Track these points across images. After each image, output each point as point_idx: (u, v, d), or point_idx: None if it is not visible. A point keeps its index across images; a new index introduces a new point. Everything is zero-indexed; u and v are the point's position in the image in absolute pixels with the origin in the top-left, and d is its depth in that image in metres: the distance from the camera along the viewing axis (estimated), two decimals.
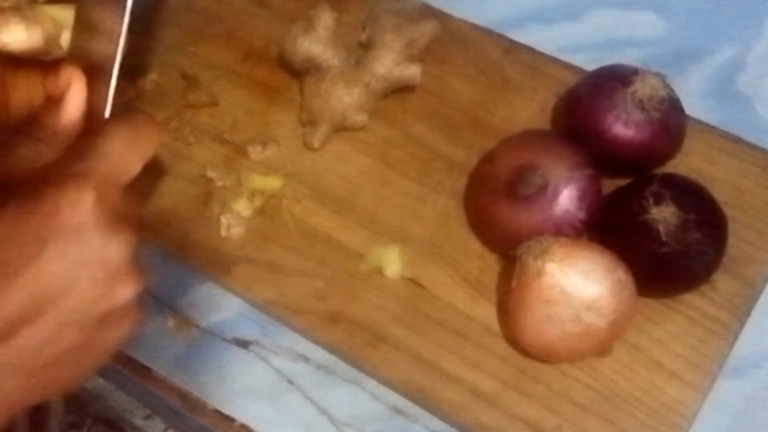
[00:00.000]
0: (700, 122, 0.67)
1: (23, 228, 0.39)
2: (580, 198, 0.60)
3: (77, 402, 0.92)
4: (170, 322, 0.66)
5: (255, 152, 0.69)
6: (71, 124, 0.46)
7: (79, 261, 0.40)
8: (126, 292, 0.41)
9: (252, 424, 0.62)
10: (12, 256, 0.38)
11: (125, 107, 0.47)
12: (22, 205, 0.39)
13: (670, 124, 0.63)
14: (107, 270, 0.40)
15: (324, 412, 0.62)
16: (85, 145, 0.42)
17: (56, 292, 0.39)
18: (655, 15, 0.75)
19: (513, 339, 0.61)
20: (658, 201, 0.58)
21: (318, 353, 0.64)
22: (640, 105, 0.62)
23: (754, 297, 0.62)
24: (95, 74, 0.46)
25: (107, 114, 0.46)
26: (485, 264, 0.64)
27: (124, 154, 0.43)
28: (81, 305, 0.40)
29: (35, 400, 0.41)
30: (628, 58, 0.67)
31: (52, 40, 0.47)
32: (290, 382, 0.63)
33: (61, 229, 0.39)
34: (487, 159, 0.66)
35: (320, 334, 0.63)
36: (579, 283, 0.56)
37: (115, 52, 0.45)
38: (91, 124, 0.46)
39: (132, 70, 0.73)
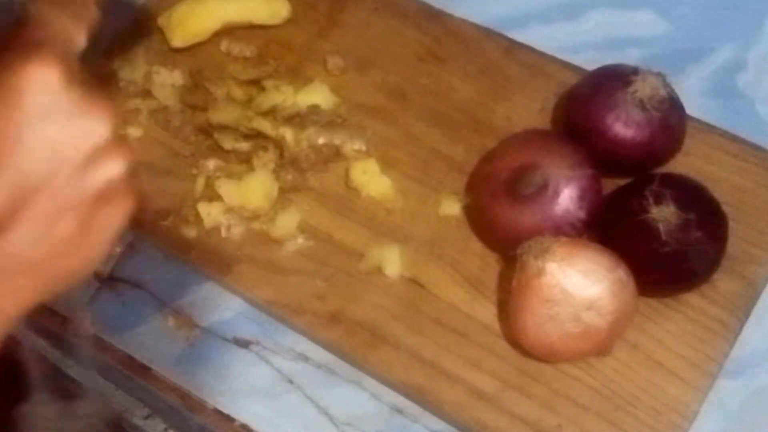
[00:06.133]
0: (700, 122, 0.67)
1: None
2: (581, 197, 0.60)
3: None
4: (170, 322, 0.66)
5: (258, 155, 0.69)
6: None
7: (60, 140, 0.37)
8: (114, 167, 0.39)
9: (252, 424, 0.62)
10: None
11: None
12: None
13: (671, 123, 0.63)
14: (91, 145, 0.38)
15: (324, 411, 0.62)
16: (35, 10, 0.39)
17: (41, 178, 0.37)
18: (655, 15, 0.75)
19: (513, 339, 0.61)
20: (659, 200, 0.58)
21: (318, 353, 0.64)
22: (641, 105, 0.62)
23: (754, 297, 0.62)
24: None
25: None
26: (485, 264, 0.64)
27: (66, 20, 0.40)
28: (69, 187, 0.37)
29: (40, 298, 0.39)
30: (628, 57, 0.67)
31: None
32: (290, 381, 0.63)
33: (33, 109, 0.36)
34: (488, 158, 0.66)
35: (320, 333, 0.63)
36: (579, 283, 0.56)
37: None
38: None
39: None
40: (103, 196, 0.39)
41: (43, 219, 0.37)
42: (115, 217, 0.40)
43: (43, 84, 0.37)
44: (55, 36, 0.39)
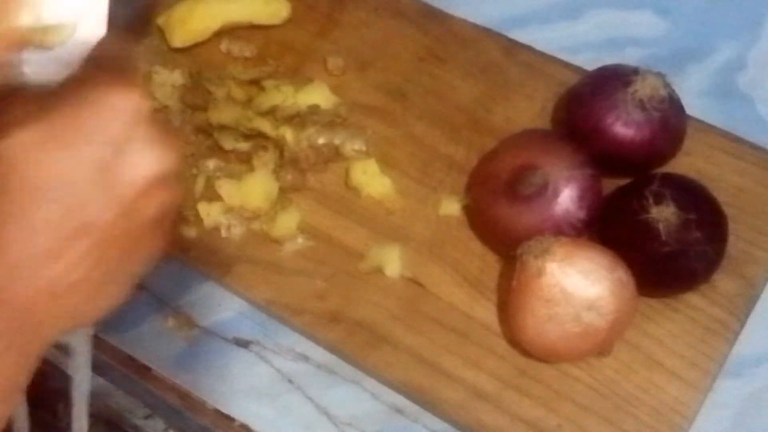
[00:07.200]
0: (700, 122, 0.67)
1: (57, 138, 0.37)
2: (581, 198, 0.60)
3: None
4: (170, 322, 0.66)
5: (258, 155, 0.69)
6: None
7: (124, 169, 0.38)
8: (165, 202, 0.40)
9: (252, 424, 0.62)
10: (49, 169, 0.37)
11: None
12: (69, 114, 0.37)
13: (671, 123, 0.63)
14: (151, 178, 0.39)
15: (324, 411, 0.62)
16: (97, 55, 0.40)
17: (98, 206, 0.38)
18: (655, 15, 0.75)
19: (513, 338, 0.61)
20: (659, 201, 0.58)
21: (318, 353, 0.64)
22: (641, 105, 0.62)
23: (754, 297, 0.62)
24: None
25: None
26: (485, 264, 0.64)
27: (131, 65, 0.41)
28: (123, 218, 0.38)
29: (78, 323, 0.40)
30: (628, 57, 0.67)
31: None
32: (290, 381, 0.63)
33: (105, 135, 0.37)
34: (488, 159, 0.66)
35: (320, 333, 0.63)
36: (579, 283, 0.56)
37: None
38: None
39: None
40: (147, 229, 0.40)
41: (95, 248, 0.38)
42: (152, 249, 0.41)
43: (122, 112, 0.38)
44: (132, 77, 0.40)
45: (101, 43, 0.41)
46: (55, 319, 0.38)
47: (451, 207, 0.66)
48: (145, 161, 0.38)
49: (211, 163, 0.69)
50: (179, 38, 0.74)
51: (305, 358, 0.64)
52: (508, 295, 0.60)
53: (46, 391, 0.58)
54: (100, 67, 0.40)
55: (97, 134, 0.37)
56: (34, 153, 0.37)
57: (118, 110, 0.38)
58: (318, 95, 0.71)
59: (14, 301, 0.36)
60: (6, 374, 0.37)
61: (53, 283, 0.37)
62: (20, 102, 0.38)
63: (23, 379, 0.38)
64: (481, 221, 0.65)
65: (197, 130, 0.71)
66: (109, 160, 0.37)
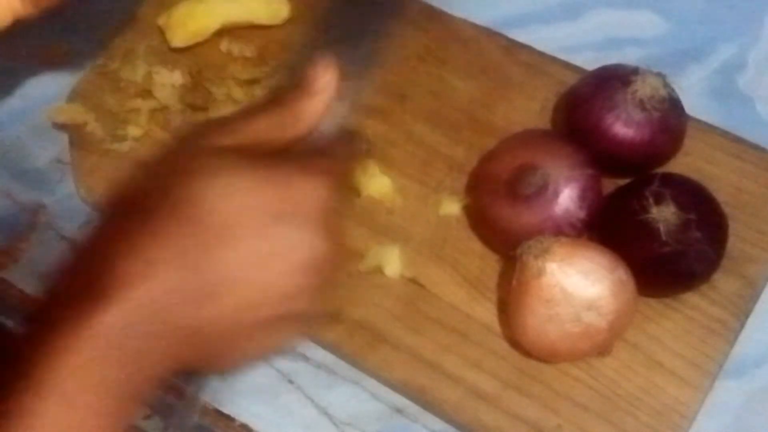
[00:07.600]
0: (700, 122, 0.67)
1: (262, 197, 0.39)
2: (581, 197, 0.60)
3: None
4: None
5: None
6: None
7: (293, 250, 0.40)
8: (314, 298, 0.42)
9: (252, 424, 0.62)
10: (242, 219, 0.39)
11: None
12: (265, 177, 0.40)
13: (671, 123, 0.63)
14: (311, 270, 0.40)
15: (324, 411, 0.62)
16: (321, 144, 0.44)
17: (255, 272, 0.39)
18: (655, 15, 0.75)
19: (513, 339, 0.61)
20: (659, 200, 0.58)
21: (318, 353, 0.64)
22: (641, 104, 0.61)
23: (755, 297, 0.62)
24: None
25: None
26: (485, 264, 0.64)
27: (347, 163, 0.45)
28: (269, 297, 0.40)
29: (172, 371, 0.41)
30: (628, 57, 0.66)
31: None
32: (290, 381, 0.63)
33: (292, 213, 0.40)
34: (488, 159, 0.66)
35: (320, 333, 0.63)
36: (579, 283, 0.56)
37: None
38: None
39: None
40: (287, 317, 0.42)
41: (236, 314, 0.39)
42: (284, 337, 0.43)
43: (312, 199, 0.40)
44: (339, 170, 0.43)
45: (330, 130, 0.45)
46: (168, 361, 0.40)
47: (451, 207, 0.66)
48: (310, 247, 0.40)
49: None
50: (179, 38, 0.74)
51: (305, 358, 0.64)
52: (508, 295, 0.60)
53: None
54: (317, 150, 0.43)
55: (282, 211, 0.39)
56: (236, 200, 0.39)
57: (309, 196, 0.40)
58: None
59: (143, 336, 0.38)
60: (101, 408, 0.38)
61: (187, 330, 0.38)
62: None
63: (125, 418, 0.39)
64: (481, 221, 0.65)
65: None
66: (283, 237, 0.39)
